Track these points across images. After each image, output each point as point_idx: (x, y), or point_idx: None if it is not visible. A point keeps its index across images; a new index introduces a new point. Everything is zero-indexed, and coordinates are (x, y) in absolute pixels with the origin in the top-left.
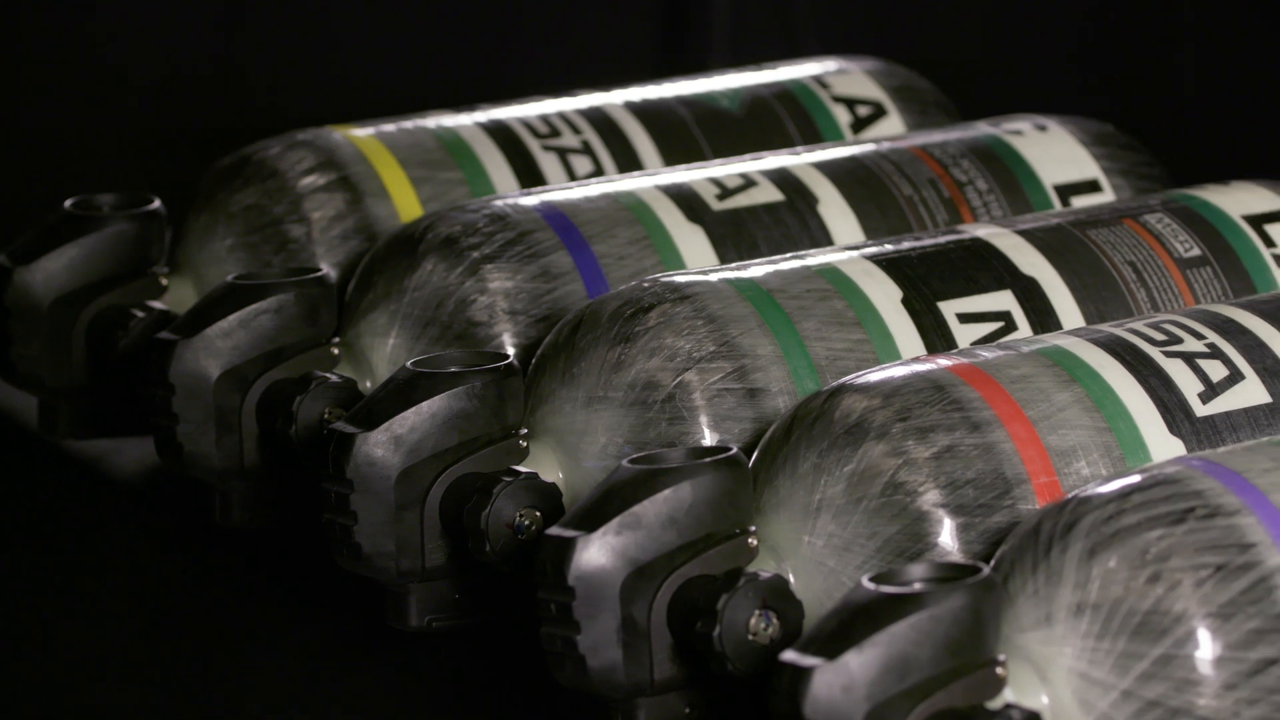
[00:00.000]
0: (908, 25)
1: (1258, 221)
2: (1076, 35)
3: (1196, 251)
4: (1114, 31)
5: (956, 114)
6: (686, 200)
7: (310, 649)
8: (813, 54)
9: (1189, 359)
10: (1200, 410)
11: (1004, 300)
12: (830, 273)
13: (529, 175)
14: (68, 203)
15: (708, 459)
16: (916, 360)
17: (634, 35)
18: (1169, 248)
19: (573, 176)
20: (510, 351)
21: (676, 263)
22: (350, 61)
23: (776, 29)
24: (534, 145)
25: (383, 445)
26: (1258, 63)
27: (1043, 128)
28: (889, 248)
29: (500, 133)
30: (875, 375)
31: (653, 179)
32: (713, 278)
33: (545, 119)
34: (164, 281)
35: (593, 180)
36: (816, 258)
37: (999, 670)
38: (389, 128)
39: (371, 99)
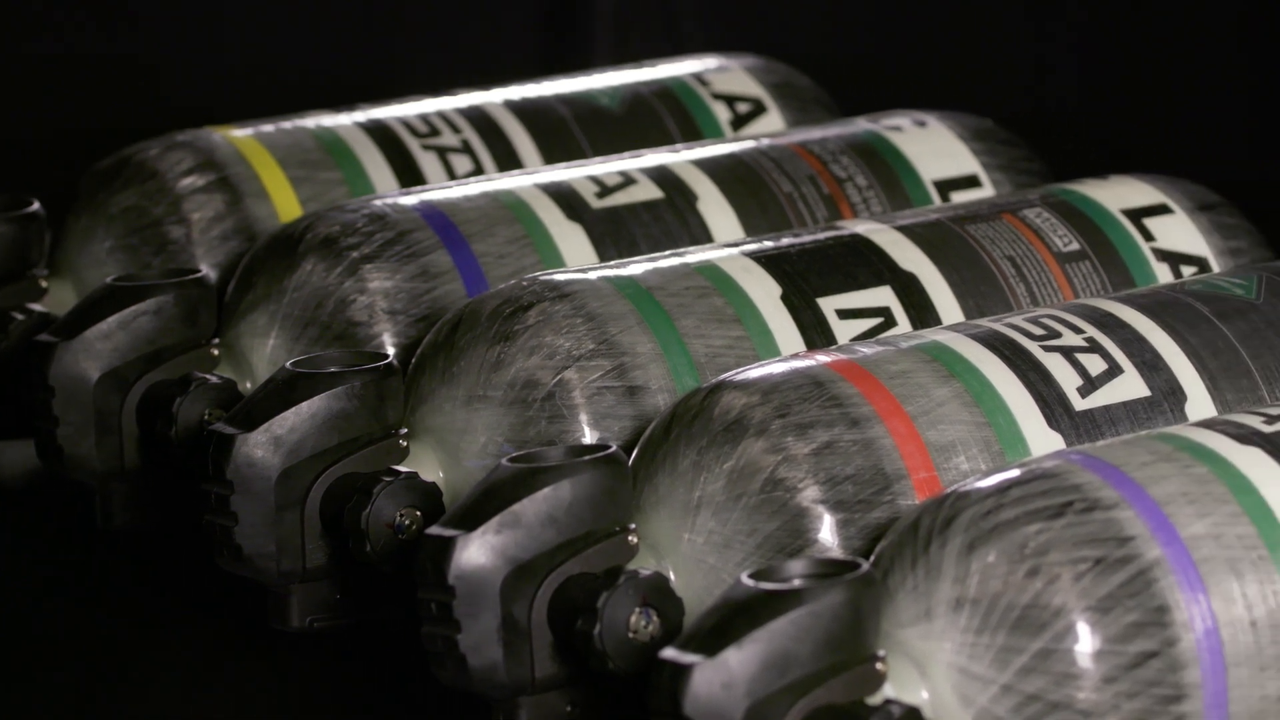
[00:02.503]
0: (789, 22)
1: (1136, 215)
2: (955, 31)
3: (1075, 246)
4: (993, 27)
5: (836, 110)
6: (566, 198)
7: (192, 650)
8: (696, 51)
9: (1068, 353)
10: (1079, 404)
11: (883, 296)
12: (709, 270)
13: (408, 175)
14: None
15: (587, 457)
16: (796, 357)
17: (518, 34)
18: (1048, 242)
19: (452, 176)
20: (390, 351)
21: (556, 261)
22: (230, 61)
23: (660, 26)
24: (413, 145)
25: (262, 446)
26: (1135, 58)
27: (922, 123)
28: (768, 245)
29: (379, 132)
30: (754, 372)
31: (532, 177)
32: (592, 276)
33: (425, 118)
34: (44, 284)
35: (472, 179)
36: (696, 255)
37: (879, 666)
38: (268, 128)
39: (251, 99)
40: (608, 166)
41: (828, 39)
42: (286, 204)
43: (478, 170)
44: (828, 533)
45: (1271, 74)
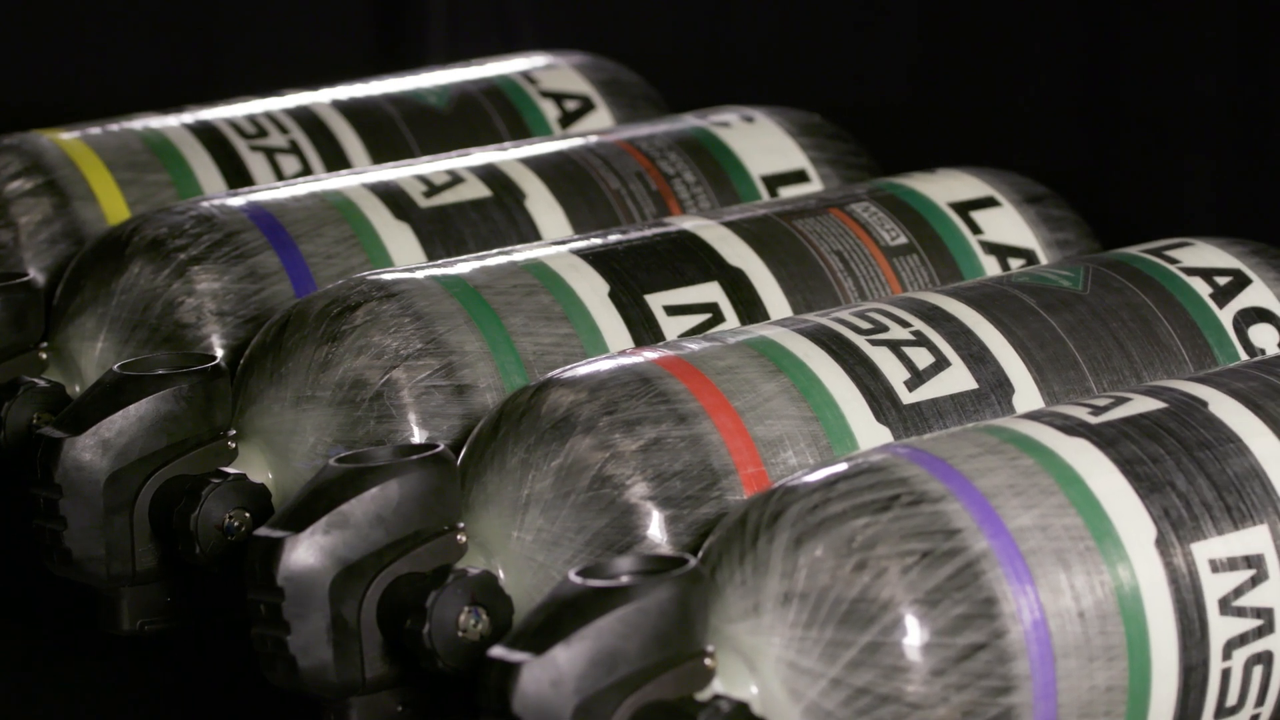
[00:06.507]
0: (620, 19)
1: (964, 209)
2: (783, 27)
3: (903, 239)
4: (821, 21)
5: (665, 107)
6: (393, 198)
7: (22, 656)
8: (530, 49)
9: (895, 347)
10: (906, 398)
11: (711, 292)
12: (537, 268)
13: (237, 176)
14: None
15: (414, 457)
16: (623, 354)
17: (350, 33)
18: (875, 236)
19: (280, 176)
20: (219, 353)
21: (384, 261)
22: (56, 62)
23: (492, 24)
24: (241, 146)
25: (90, 449)
26: (964, 51)
27: (750, 119)
28: (596, 242)
29: (207, 134)
30: (582, 369)
31: (360, 177)
32: (419, 275)
33: (252, 119)
34: None
35: (300, 180)
36: (523, 253)
37: (708, 661)
38: (95, 130)
39: (78, 100)
40: (435, 165)
41: (657, 36)
42: (114, 207)
43: (306, 171)
44: (656, 529)
45: (1100, 63)
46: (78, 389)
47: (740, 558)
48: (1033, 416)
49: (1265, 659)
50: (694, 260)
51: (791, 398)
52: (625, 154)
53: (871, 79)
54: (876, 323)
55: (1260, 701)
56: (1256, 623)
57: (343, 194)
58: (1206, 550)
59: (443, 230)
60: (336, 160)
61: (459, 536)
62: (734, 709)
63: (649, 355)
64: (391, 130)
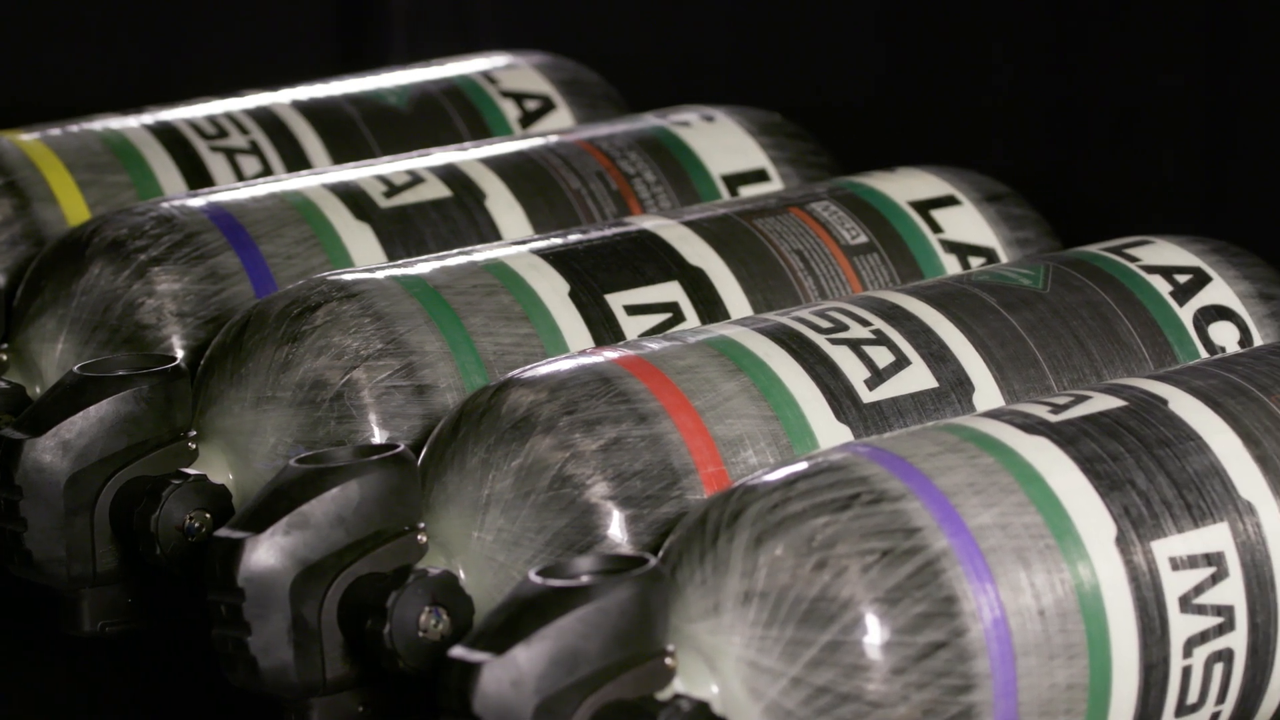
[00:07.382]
0: (581, 18)
1: (923, 207)
2: (745, 26)
3: (864, 238)
4: (782, 20)
5: (625, 106)
6: (354, 198)
7: None
8: (491, 49)
9: (855, 346)
10: (867, 397)
11: (671, 291)
12: (497, 268)
13: (197, 177)
14: None
15: (374, 457)
16: (584, 353)
17: (312, 33)
18: (836, 235)
19: (241, 177)
20: (179, 354)
21: (344, 261)
22: (17, 63)
23: (454, 24)
24: (201, 146)
25: (50, 451)
26: (930, 49)
27: (710, 118)
28: (556, 241)
29: (167, 135)
30: (542, 369)
31: (320, 178)
32: (380, 275)
33: (213, 120)
34: None
35: (260, 180)
36: (484, 253)
37: (668, 661)
38: (55, 131)
39: (38, 102)
40: (395, 166)
41: (618, 35)
42: (74, 208)
43: (266, 171)
44: (616, 529)
45: (1065, 60)
46: (38, 390)
47: (700, 557)
48: (993, 415)
49: (1226, 656)
50: (654, 260)
51: (752, 397)
52: (585, 154)
53: (833, 78)
54: (837, 322)
55: (1221, 699)
56: (1217, 620)
57: (303, 194)
58: (1167, 548)
59: (403, 230)
60: (297, 161)
61: (419, 537)
62: (694, 708)
63: (609, 355)
64: (351, 131)
